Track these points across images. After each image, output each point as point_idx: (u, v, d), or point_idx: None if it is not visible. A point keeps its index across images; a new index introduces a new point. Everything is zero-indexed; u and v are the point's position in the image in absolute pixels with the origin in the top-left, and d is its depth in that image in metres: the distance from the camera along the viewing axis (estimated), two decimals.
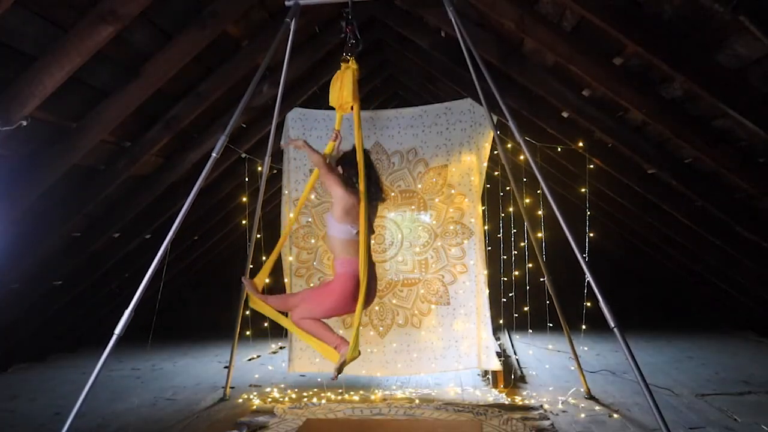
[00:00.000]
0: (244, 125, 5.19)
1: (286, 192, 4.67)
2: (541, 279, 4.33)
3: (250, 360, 5.88)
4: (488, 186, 4.76)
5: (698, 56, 3.02)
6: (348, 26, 3.34)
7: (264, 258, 4.98)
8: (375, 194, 3.28)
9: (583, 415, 3.83)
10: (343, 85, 3.36)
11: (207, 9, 3.55)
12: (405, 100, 7.04)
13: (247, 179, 5.11)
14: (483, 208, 4.52)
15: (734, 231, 4.66)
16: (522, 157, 4.98)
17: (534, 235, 4.34)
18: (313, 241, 4.64)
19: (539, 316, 5.49)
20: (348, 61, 3.37)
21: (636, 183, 4.97)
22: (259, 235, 4.48)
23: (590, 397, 4.23)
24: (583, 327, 5.20)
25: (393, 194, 4.60)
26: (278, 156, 4.83)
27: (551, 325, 5.27)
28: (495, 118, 4.13)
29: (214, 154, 3.16)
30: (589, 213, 5.22)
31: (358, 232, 3.11)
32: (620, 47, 3.46)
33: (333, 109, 4.69)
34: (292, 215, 4.62)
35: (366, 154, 3.26)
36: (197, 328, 7.74)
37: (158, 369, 5.66)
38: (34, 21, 2.85)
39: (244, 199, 5.25)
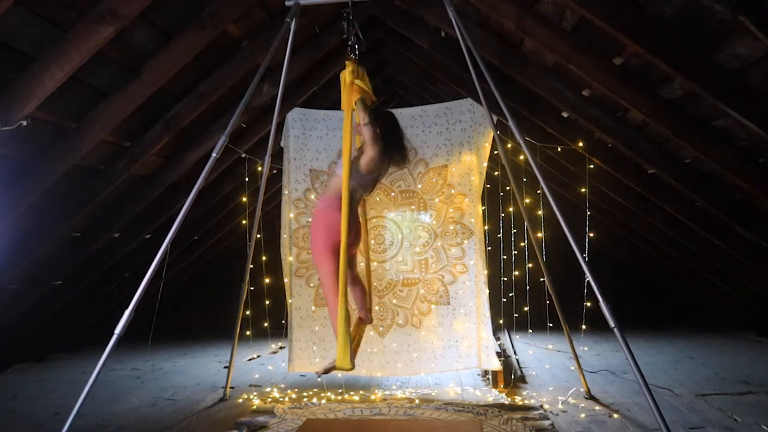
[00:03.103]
0: (244, 125, 5.19)
1: (286, 192, 4.67)
2: (541, 279, 4.33)
3: (250, 360, 5.88)
4: (488, 186, 4.76)
5: (698, 56, 3.02)
6: (350, 26, 3.34)
7: (264, 258, 5.03)
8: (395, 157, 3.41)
9: (583, 415, 3.83)
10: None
11: (207, 9, 3.55)
12: (405, 100, 7.03)
13: (247, 179, 5.11)
14: (483, 208, 4.52)
15: (734, 231, 4.66)
16: (522, 157, 4.98)
17: (534, 235, 4.34)
18: None
19: (539, 316, 5.49)
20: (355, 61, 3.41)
21: (636, 183, 4.97)
22: (259, 235, 4.48)
23: (590, 397, 4.23)
24: (583, 327, 5.20)
25: (393, 194, 4.61)
26: (278, 156, 4.83)
27: (551, 325, 5.26)
28: (495, 118, 4.13)
29: (214, 154, 3.16)
30: (588, 213, 5.22)
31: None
32: (620, 47, 3.45)
33: (333, 109, 4.76)
34: (292, 215, 4.65)
35: (392, 116, 3.46)
36: (197, 328, 7.75)
37: (158, 369, 5.66)
38: (34, 21, 2.85)
39: (244, 199, 5.25)
